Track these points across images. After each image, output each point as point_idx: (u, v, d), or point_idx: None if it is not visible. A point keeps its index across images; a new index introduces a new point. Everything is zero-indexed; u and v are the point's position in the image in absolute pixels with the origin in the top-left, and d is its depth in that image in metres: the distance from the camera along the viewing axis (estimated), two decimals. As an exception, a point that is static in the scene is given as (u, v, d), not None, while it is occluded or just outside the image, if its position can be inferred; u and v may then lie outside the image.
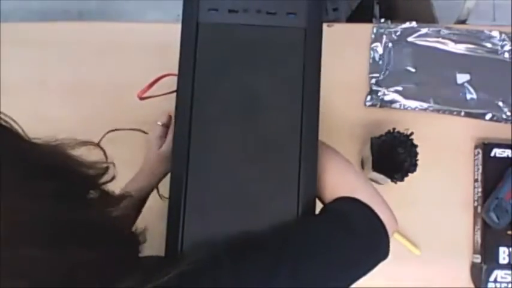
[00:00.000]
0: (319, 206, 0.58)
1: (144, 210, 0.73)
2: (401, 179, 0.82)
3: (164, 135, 0.75)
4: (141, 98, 0.76)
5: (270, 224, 0.54)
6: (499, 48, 0.95)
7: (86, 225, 0.41)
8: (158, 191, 0.80)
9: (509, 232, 0.85)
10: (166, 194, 0.82)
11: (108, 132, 0.89)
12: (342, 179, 0.59)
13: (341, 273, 0.51)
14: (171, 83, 0.61)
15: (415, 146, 0.83)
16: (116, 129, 0.90)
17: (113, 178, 0.48)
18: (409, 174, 0.82)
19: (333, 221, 0.54)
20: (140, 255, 0.49)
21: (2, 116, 0.40)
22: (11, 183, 0.37)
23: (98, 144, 0.52)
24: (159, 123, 0.76)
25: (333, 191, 0.57)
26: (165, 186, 0.80)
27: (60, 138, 0.44)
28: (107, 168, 0.47)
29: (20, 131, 0.41)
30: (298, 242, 0.51)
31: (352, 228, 0.53)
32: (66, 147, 0.44)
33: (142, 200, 0.74)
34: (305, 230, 0.53)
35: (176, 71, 0.57)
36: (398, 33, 0.96)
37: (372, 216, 0.54)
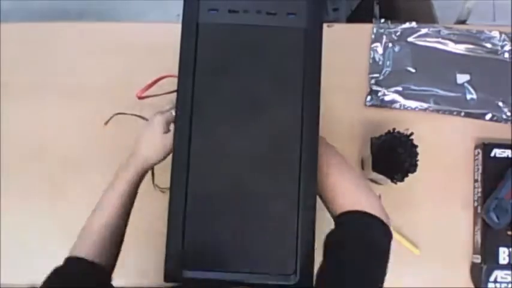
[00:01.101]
0: (319, 205, 0.58)
1: (144, 210, 0.73)
2: (401, 180, 0.82)
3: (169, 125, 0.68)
4: (140, 98, 0.76)
5: (271, 224, 0.54)
6: (499, 48, 0.95)
7: None
8: (153, 180, 0.80)
9: (509, 232, 0.85)
10: (162, 185, 0.83)
11: (115, 115, 0.91)
12: (342, 178, 0.60)
13: None
14: (171, 82, 0.61)
15: (415, 146, 0.83)
16: (122, 113, 0.91)
17: None
18: (409, 175, 0.82)
19: (358, 250, 0.55)
20: None
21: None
22: None
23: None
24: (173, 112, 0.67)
25: (333, 191, 0.58)
26: (160, 176, 0.80)
27: None
28: None
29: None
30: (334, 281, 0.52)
31: (375, 252, 0.55)
32: None
33: (133, 199, 0.66)
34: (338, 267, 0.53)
35: (176, 72, 0.57)
36: (398, 33, 0.96)
37: (385, 231, 0.57)
